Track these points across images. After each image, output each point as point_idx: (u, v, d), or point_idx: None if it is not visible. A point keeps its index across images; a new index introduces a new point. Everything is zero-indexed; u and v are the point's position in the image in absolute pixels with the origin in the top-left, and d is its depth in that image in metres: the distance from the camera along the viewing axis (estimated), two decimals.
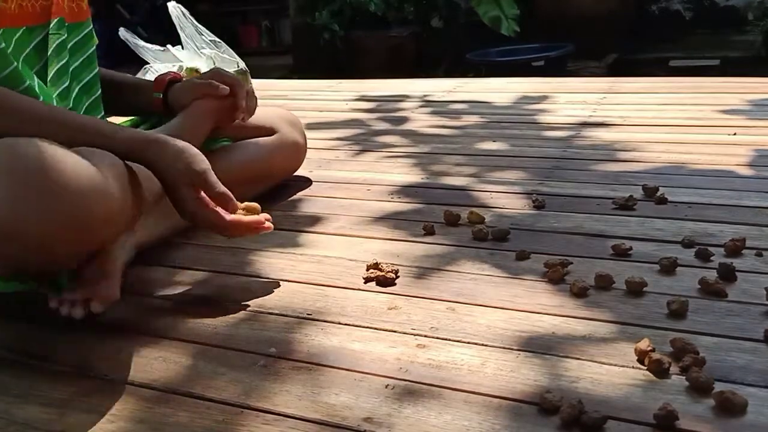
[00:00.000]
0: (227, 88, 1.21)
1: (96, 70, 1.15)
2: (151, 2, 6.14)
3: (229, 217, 0.97)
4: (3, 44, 0.96)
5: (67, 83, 1.09)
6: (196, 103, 1.21)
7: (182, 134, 1.16)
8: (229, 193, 0.97)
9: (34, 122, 0.91)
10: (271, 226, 1.02)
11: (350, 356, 0.84)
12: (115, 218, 0.87)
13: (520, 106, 2.23)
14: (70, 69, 1.09)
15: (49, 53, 1.06)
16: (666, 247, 1.10)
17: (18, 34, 0.99)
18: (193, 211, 0.96)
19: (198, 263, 1.13)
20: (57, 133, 0.89)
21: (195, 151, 0.97)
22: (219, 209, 0.97)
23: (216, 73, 1.25)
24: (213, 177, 0.96)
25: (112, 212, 0.86)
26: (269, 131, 1.39)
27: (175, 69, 1.78)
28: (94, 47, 1.15)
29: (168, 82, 1.25)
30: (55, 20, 1.06)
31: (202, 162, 0.96)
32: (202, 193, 0.96)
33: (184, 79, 1.29)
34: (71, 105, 1.07)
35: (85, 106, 1.12)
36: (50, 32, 1.06)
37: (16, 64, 0.98)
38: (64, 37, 1.08)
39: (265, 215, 1.02)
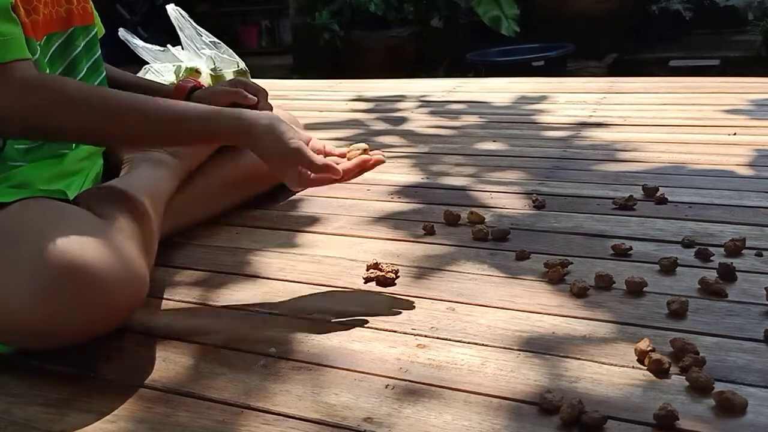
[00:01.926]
0: (255, 98, 1.21)
1: (103, 74, 1.14)
2: (151, 2, 6.13)
3: (341, 167, 0.94)
4: (38, 54, 0.95)
5: None
6: None
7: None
8: (329, 162, 0.93)
9: (140, 116, 0.91)
10: (381, 158, 0.98)
11: (350, 356, 0.84)
12: (142, 294, 0.87)
13: (519, 106, 2.23)
14: (81, 74, 1.08)
15: (67, 62, 1.06)
16: (666, 247, 1.10)
17: (40, 42, 0.98)
18: (300, 186, 1.03)
19: (198, 263, 1.13)
20: (163, 124, 0.92)
21: (283, 127, 0.92)
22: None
23: (240, 81, 1.24)
24: (308, 154, 0.91)
25: (141, 293, 0.86)
26: None
27: (174, 69, 1.78)
28: (100, 51, 1.14)
29: (189, 90, 1.23)
30: (74, 28, 1.06)
31: (292, 140, 0.91)
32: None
33: (202, 84, 1.27)
34: None
35: None
36: (74, 41, 1.06)
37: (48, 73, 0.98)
38: (80, 47, 1.07)
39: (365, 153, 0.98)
